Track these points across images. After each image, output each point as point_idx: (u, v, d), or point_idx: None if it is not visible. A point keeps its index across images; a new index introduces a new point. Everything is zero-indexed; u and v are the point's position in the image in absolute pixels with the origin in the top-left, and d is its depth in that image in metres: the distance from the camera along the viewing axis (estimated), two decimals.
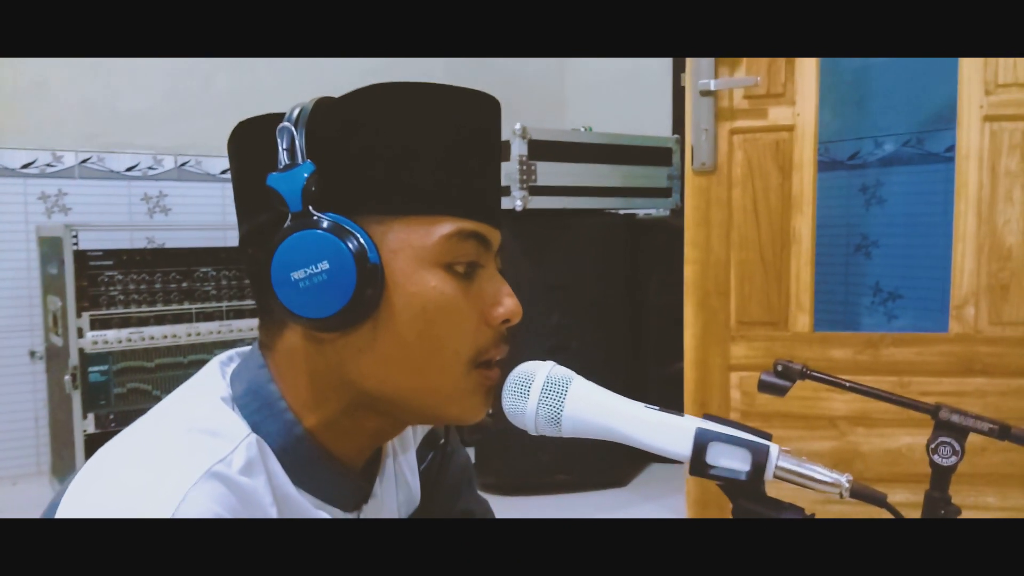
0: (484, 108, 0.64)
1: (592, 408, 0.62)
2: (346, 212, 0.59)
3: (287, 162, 0.59)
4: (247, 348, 0.67)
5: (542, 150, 2.28)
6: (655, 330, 2.62)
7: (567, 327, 2.27)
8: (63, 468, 2.29)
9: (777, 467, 0.57)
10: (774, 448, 0.58)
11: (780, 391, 1.04)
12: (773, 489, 0.58)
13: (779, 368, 1.03)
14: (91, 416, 2.09)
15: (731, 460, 0.58)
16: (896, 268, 2.49)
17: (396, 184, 0.60)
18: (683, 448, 0.59)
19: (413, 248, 0.60)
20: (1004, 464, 1.83)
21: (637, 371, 2.56)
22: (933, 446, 0.91)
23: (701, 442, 0.58)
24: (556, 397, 0.62)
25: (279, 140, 0.59)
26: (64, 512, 0.54)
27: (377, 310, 0.59)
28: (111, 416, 2.11)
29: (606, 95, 3.29)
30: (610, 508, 2.29)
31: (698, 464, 0.59)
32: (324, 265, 0.57)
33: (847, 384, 1.00)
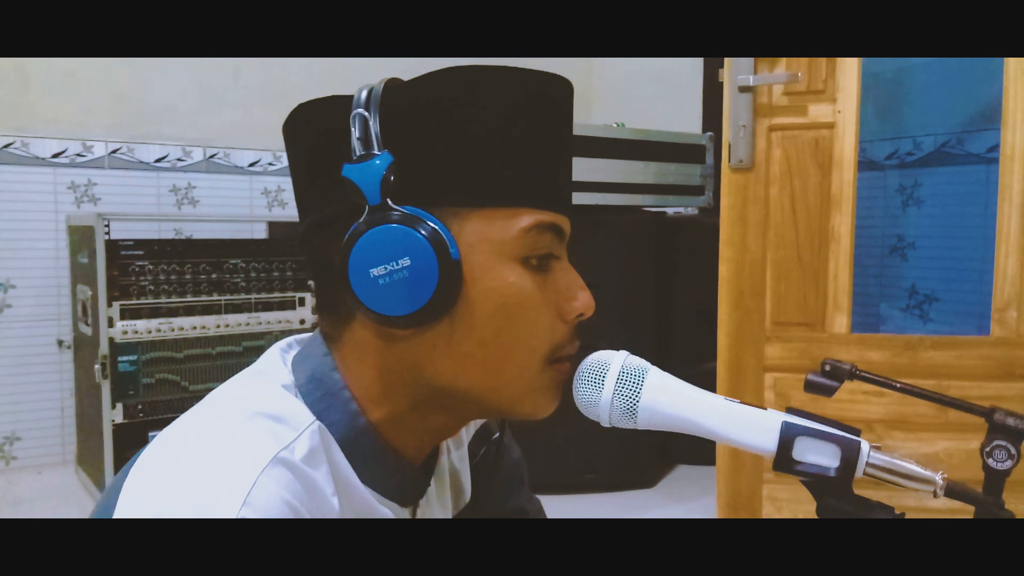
0: (560, 91, 0.62)
1: (670, 399, 0.59)
2: (423, 204, 0.56)
3: (362, 152, 0.56)
4: (307, 335, 0.66)
5: (574, 145, 2.26)
6: (684, 329, 2.59)
7: (596, 325, 2.24)
8: (89, 457, 2.29)
9: (868, 464, 0.55)
10: (865, 444, 0.55)
11: (828, 391, 1.01)
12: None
13: (827, 368, 1.00)
14: (119, 406, 2.09)
15: (819, 456, 0.56)
16: (933, 271, 2.45)
17: (476, 174, 0.57)
18: (768, 442, 0.57)
19: (491, 242, 0.57)
20: None
21: (665, 370, 2.52)
22: (988, 449, 0.88)
23: (788, 436, 0.56)
24: (632, 387, 0.60)
25: (352, 127, 0.56)
26: (127, 504, 0.52)
27: (454, 306, 0.57)
28: (139, 406, 2.10)
29: (635, 93, 3.26)
30: (637, 509, 2.27)
31: (784, 459, 0.56)
32: (405, 262, 0.55)
33: (898, 385, 0.97)
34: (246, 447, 0.53)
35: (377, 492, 0.61)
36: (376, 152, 0.56)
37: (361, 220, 0.56)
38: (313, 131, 0.61)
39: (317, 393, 0.60)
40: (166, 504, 0.49)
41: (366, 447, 0.60)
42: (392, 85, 0.58)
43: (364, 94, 0.57)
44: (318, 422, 0.57)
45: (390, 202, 0.56)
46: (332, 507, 0.56)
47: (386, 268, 0.55)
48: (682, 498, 2.32)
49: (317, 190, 0.61)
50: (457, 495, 0.75)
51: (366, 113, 0.56)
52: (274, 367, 0.62)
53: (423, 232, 0.55)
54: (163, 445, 0.55)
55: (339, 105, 0.58)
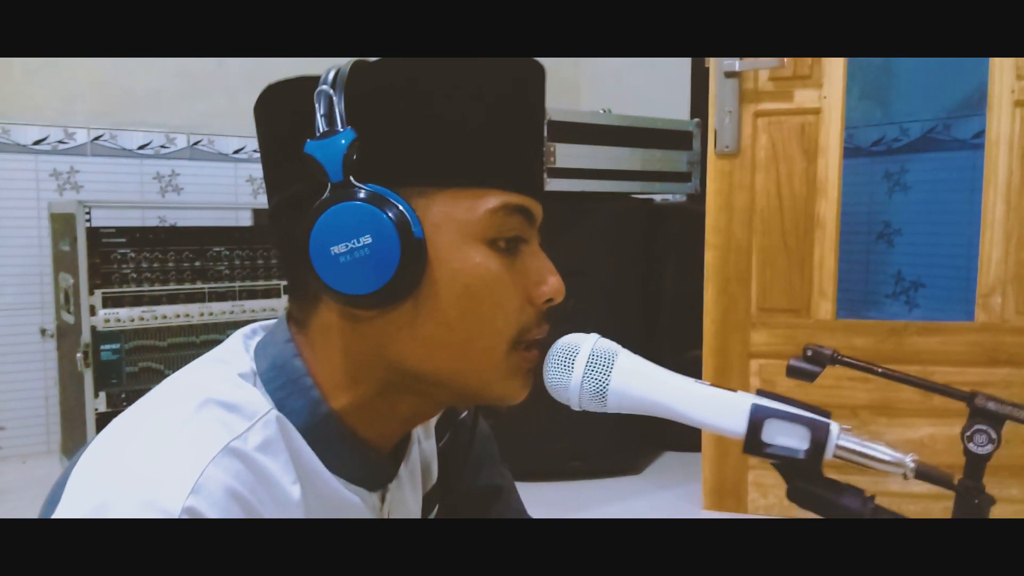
0: (531, 74, 0.61)
1: (640, 382, 0.59)
2: (387, 183, 0.55)
3: (325, 128, 0.55)
4: (272, 321, 0.65)
5: (561, 132, 2.25)
6: (671, 316, 2.58)
7: (583, 312, 2.24)
8: (73, 447, 2.28)
9: (837, 446, 0.55)
10: (834, 426, 0.55)
11: (809, 376, 1.01)
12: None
13: (809, 353, 1.00)
14: (102, 395, 2.07)
15: (789, 438, 0.55)
16: (919, 256, 2.45)
17: (442, 154, 0.56)
18: (737, 425, 0.56)
19: (457, 222, 0.56)
20: None
21: (652, 357, 2.49)
22: (968, 434, 0.88)
23: (757, 419, 0.55)
24: (602, 370, 0.59)
25: (316, 104, 0.55)
26: (75, 490, 0.51)
27: (419, 287, 0.56)
28: (122, 395, 2.09)
29: (622, 79, 3.25)
30: (623, 496, 2.27)
31: (753, 442, 0.56)
32: (366, 239, 0.54)
33: (879, 370, 0.96)
34: (195, 436, 0.52)
35: (344, 479, 0.60)
36: (339, 129, 0.55)
37: (323, 198, 0.55)
38: (282, 111, 0.60)
39: (278, 380, 0.59)
40: (112, 492, 0.49)
41: (329, 435, 0.59)
42: (359, 65, 0.57)
43: (332, 74, 0.56)
44: (275, 411, 0.57)
45: (353, 179, 0.55)
46: (291, 497, 0.55)
47: (347, 246, 0.54)
48: (668, 484, 2.33)
49: (284, 169, 0.60)
50: (427, 482, 0.74)
51: (331, 91, 0.55)
52: (234, 354, 0.61)
53: (384, 209, 0.54)
54: (113, 434, 0.54)
55: (308, 84, 0.57)
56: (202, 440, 0.51)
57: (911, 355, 1.92)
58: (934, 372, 1.87)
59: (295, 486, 0.55)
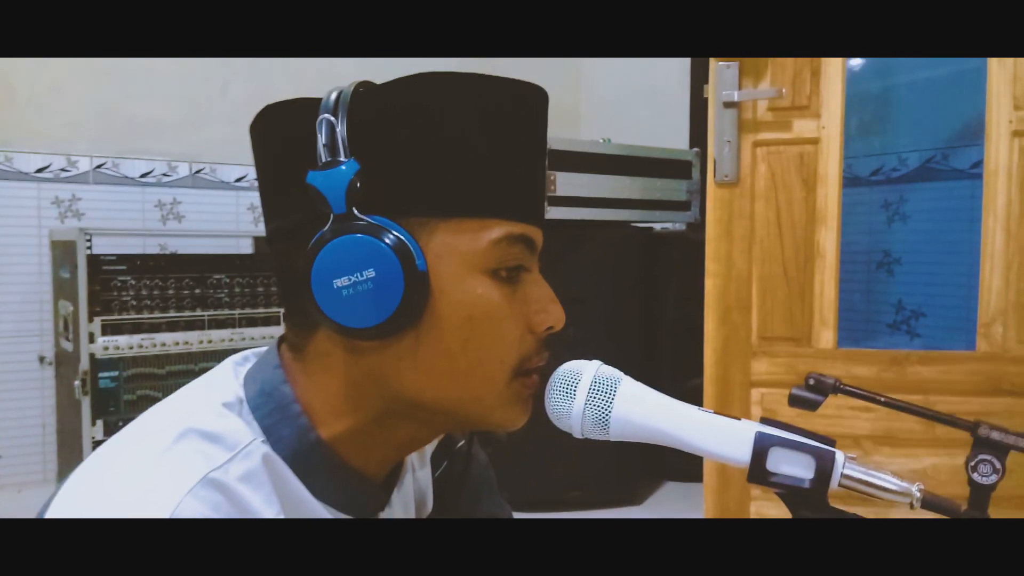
0: (534, 100, 0.61)
1: (643, 409, 0.58)
2: (390, 213, 0.55)
3: (328, 158, 0.54)
4: (263, 348, 0.64)
5: (561, 160, 2.26)
6: (671, 345, 2.58)
7: (583, 340, 2.23)
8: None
9: (843, 475, 0.54)
10: (839, 455, 0.54)
11: (812, 405, 1.00)
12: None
13: (811, 382, 0.99)
14: (100, 423, 2.06)
15: (793, 467, 0.55)
16: (920, 286, 2.45)
17: (446, 184, 0.56)
18: (742, 453, 0.55)
19: (460, 253, 0.56)
20: None
21: (652, 386, 2.51)
22: (973, 464, 0.87)
23: (761, 447, 0.55)
24: (604, 397, 0.58)
25: (319, 133, 0.55)
26: (55, 516, 0.51)
27: (421, 318, 0.55)
28: (120, 423, 2.08)
29: (622, 109, 3.27)
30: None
31: (758, 471, 0.55)
32: (370, 273, 0.53)
33: (882, 400, 0.96)
34: (173, 467, 0.51)
35: (333, 507, 0.59)
36: (342, 159, 0.54)
37: (325, 229, 0.54)
38: (279, 134, 0.60)
39: (266, 407, 0.58)
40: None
41: (318, 463, 0.58)
42: (361, 89, 0.56)
43: (332, 97, 0.55)
44: (259, 440, 0.56)
45: (356, 211, 0.54)
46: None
47: (350, 279, 0.54)
48: (669, 515, 2.30)
49: (282, 195, 0.60)
50: (420, 512, 0.73)
51: (333, 119, 0.55)
52: (222, 381, 0.60)
53: (388, 243, 0.53)
54: (93, 463, 0.54)
55: (307, 108, 0.56)
56: (180, 471, 0.51)
57: (913, 384, 1.91)
58: (936, 401, 1.86)
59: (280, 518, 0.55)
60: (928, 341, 2.42)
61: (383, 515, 0.65)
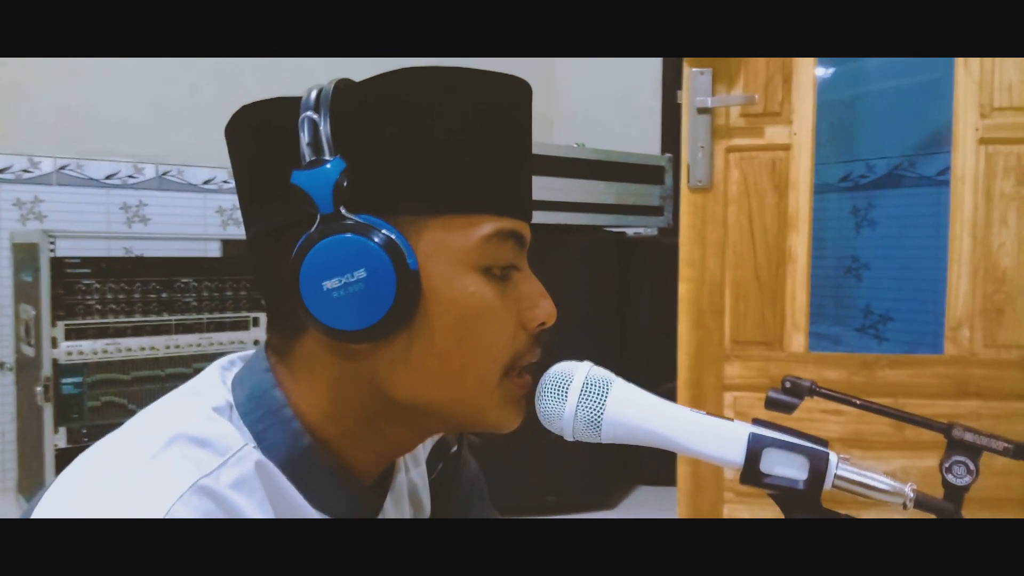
0: (519, 93, 0.60)
1: (636, 411, 0.58)
2: (379, 212, 0.53)
3: (312, 157, 0.53)
4: (251, 352, 0.63)
5: (535, 164, 2.25)
6: (644, 349, 2.59)
7: (556, 344, 2.23)
8: (30, 485, 2.20)
9: (836, 476, 0.54)
10: (833, 456, 0.54)
11: (788, 408, 1.00)
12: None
13: (787, 384, 1.00)
14: (63, 430, 2.01)
15: (787, 468, 0.54)
16: (887, 291, 2.49)
17: (433, 180, 0.55)
18: (735, 454, 0.55)
19: (450, 250, 0.55)
20: (1000, 488, 1.82)
21: None
22: (947, 465, 0.88)
23: (755, 448, 0.55)
24: (596, 399, 0.58)
25: (301, 131, 0.53)
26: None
27: (413, 319, 0.54)
28: (83, 431, 2.03)
29: (595, 115, 3.28)
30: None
31: (751, 472, 0.55)
32: (361, 274, 0.52)
33: (857, 402, 0.97)
34: (162, 473, 0.49)
35: (327, 513, 0.58)
36: (327, 158, 0.53)
37: (312, 230, 0.53)
38: (258, 134, 0.58)
39: (256, 413, 0.56)
40: None
41: (310, 467, 0.57)
42: (343, 86, 0.55)
43: (313, 95, 0.54)
44: (250, 446, 0.54)
45: (343, 210, 0.53)
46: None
47: (340, 281, 0.52)
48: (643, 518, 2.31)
49: (264, 197, 0.58)
50: (416, 512, 0.72)
51: (315, 116, 0.53)
52: (210, 386, 0.59)
53: (379, 242, 0.52)
54: (77, 470, 0.52)
55: (285, 107, 0.55)
56: (169, 477, 0.49)
57: (883, 388, 1.94)
58: (906, 404, 1.89)
59: None
60: (896, 345, 2.45)
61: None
